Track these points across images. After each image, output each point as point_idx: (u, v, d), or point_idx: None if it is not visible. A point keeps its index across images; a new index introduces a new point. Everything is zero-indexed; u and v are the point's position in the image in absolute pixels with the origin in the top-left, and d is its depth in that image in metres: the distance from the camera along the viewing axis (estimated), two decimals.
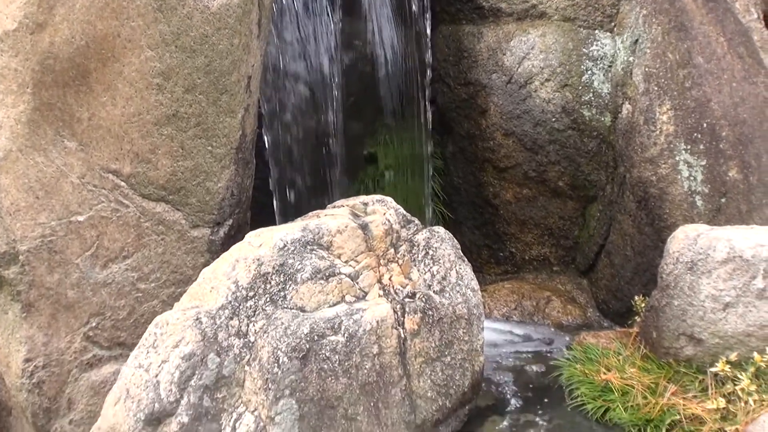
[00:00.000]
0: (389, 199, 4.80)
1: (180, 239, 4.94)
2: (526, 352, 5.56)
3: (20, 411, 5.03)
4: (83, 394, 5.01)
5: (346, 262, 4.48)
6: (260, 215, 5.56)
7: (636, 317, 5.35)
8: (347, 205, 4.77)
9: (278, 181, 6.06)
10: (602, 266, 6.37)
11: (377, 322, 4.32)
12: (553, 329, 6.06)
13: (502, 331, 5.97)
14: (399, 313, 4.40)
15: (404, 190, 6.64)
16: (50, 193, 4.75)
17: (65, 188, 4.78)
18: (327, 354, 4.20)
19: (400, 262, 4.58)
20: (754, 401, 4.32)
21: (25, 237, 4.77)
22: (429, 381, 4.46)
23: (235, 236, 4.84)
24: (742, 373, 4.45)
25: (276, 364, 4.14)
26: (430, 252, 4.63)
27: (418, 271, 4.55)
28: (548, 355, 5.46)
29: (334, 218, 4.58)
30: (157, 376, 4.26)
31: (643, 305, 5.23)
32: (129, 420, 4.22)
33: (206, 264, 4.59)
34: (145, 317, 4.79)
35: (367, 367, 4.28)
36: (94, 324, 4.95)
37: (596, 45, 6.35)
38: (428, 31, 6.76)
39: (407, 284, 4.50)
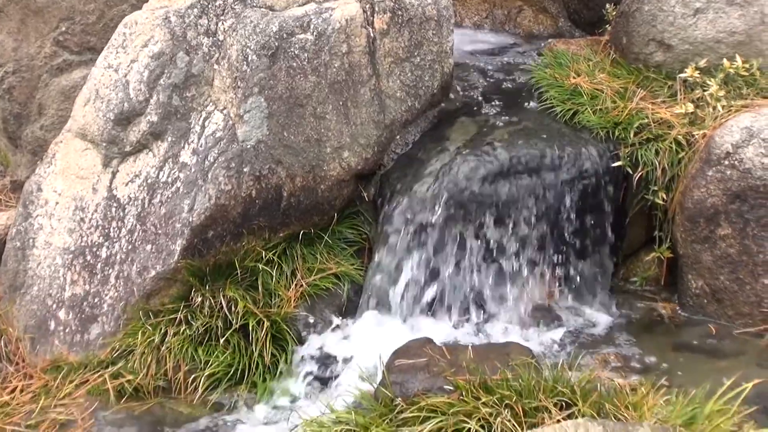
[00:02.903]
0: None
1: None
2: (497, 59, 5.46)
3: None
4: (53, 99, 4.96)
5: None
6: None
7: (607, 26, 5.23)
8: None
9: None
10: None
11: (346, 20, 4.22)
12: (523, 38, 5.93)
13: (473, 39, 5.85)
14: (368, 13, 4.29)
15: None
16: None
17: None
18: (296, 52, 4.12)
19: None
20: (722, 107, 4.28)
21: None
22: (398, 81, 4.40)
23: None
24: (711, 80, 4.41)
25: (245, 62, 4.08)
26: None
27: None
28: (518, 61, 5.36)
29: None
30: (126, 75, 4.21)
31: (614, 13, 5.09)
32: (99, 120, 4.22)
33: None
34: (115, 21, 4.66)
35: (336, 65, 4.21)
36: (63, 29, 4.87)
37: None
38: None
39: None
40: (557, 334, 4.12)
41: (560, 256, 4.28)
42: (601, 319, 4.24)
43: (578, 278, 4.35)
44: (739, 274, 4.03)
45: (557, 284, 4.31)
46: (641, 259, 4.53)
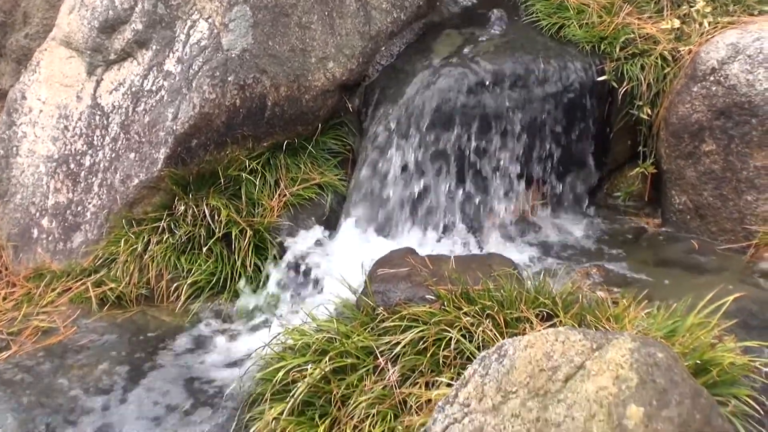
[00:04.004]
0: None
1: None
2: None
3: None
4: (38, 8, 4.85)
5: None
6: None
7: None
8: None
9: None
10: None
11: None
12: None
13: None
14: None
15: None
16: None
17: None
18: None
19: None
20: (709, 23, 4.19)
21: None
22: None
23: None
24: None
25: None
26: None
27: None
28: None
29: None
30: None
31: None
32: (83, 28, 4.13)
33: None
34: None
35: None
36: None
37: None
38: None
39: None
40: (540, 246, 4.06)
41: (544, 170, 4.19)
42: (584, 232, 4.18)
43: (562, 192, 4.28)
44: (723, 190, 3.95)
45: (540, 197, 4.23)
46: (625, 175, 4.44)
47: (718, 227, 3.99)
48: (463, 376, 2.37)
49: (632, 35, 4.26)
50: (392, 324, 3.04)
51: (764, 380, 2.74)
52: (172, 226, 3.92)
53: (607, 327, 2.92)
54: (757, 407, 2.61)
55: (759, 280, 3.60)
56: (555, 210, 4.28)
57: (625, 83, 4.17)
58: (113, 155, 4.05)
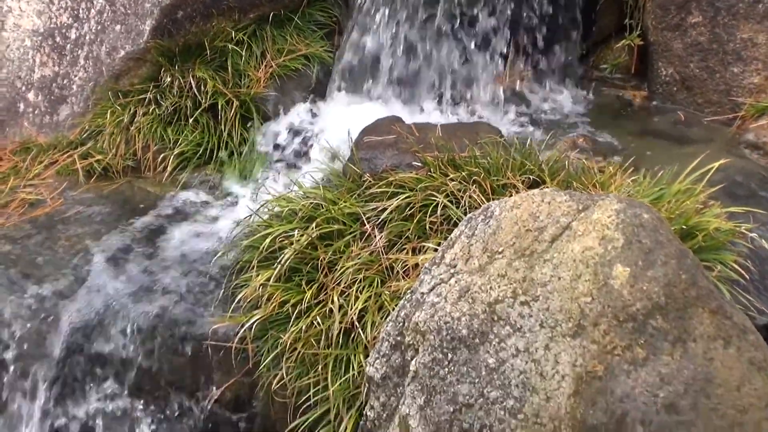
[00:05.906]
0: None
1: None
2: None
3: None
4: None
5: None
6: None
7: None
8: None
9: None
10: None
11: None
12: None
13: None
14: None
15: None
16: None
17: None
18: None
19: None
20: None
21: None
22: None
23: None
24: None
25: None
26: None
27: None
28: None
29: None
30: None
31: None
32: None
33: None
34: None
35: None
36: None
37: None
38: None
39: None
40: (526, 116, 3.95)
41: (530, 42, 4.07)
42: (570, 104, 4.07)
43: (548, 64, 4.16)
44: (709, 62, 3.84)
45: (527, 69, 4.12)
46: (611, 47, 4.30)
47: (705, 99, 3.89)
48: (449, 238, 2.30)
49: None
50: (379, 190, 2.95)
51: (750, 245, 2.68)
52: (159, 97, 3.82)
53: (594, 193, 2.84)
54: (743, 272, 2.56)
55: (745, 150, 3.52)
56: (541, 82, 4.16)
57: None
58: (99, 28, 3.93)
